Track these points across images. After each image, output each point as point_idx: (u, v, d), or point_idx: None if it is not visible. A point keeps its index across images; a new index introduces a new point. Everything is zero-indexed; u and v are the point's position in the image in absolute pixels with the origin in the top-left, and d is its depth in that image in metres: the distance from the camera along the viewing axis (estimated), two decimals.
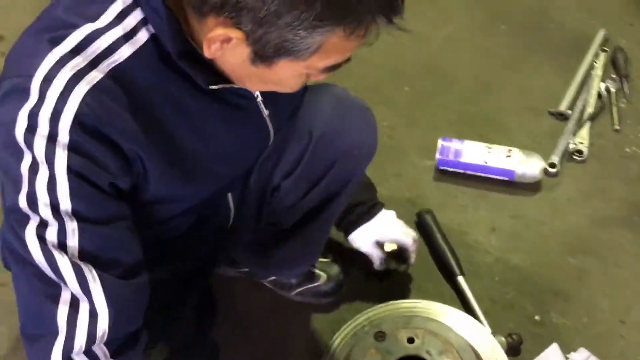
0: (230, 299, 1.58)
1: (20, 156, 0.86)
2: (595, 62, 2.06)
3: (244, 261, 1.54)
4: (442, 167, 1.82)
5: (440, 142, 1.80)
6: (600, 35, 2.14)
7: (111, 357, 0.91)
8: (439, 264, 1.61)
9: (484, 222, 1.72)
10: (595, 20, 2.22)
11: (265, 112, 1.09)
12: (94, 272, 0.88)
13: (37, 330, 0.91)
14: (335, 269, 1.59)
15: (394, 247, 1.52)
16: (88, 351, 0.89)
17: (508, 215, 1.73)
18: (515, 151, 1.77)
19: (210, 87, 0.95)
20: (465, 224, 1.72)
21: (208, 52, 0.87)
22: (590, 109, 1.93)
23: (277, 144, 1.21)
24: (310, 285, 1.57)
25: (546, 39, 2.19)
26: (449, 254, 1.60)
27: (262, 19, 0.80)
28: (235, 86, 0.98)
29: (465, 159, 1.78)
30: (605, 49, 2.10)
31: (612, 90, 1.98)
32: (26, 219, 0.87)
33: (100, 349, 0.90)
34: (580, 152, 1.84)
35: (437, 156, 1.80)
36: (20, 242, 0.87)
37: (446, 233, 1.65)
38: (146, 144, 0.91)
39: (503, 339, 1.45)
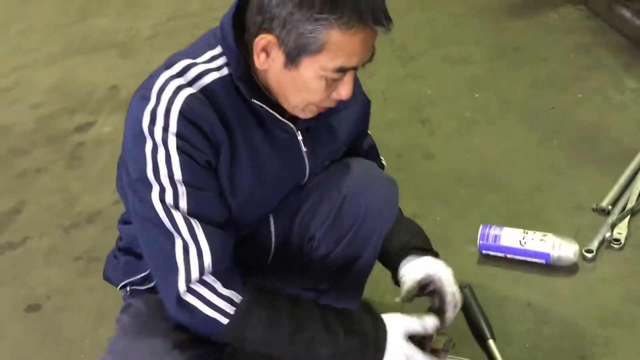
0: None
1: (144, 142, 1.24)
2: None
3: None
4: (484, 251, 2.01)
5: (481, 228, 2.00)
6: None
7: (223, 287, 1.23)
8: (472, 328, 1.76)
9: (520, 298, 1.86)
10: None
11: (304, 148, 1.41)
12: (197, 224, 1.24)
13: (163, 270, 1.25)
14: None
15: (436, 301, 1.46)
16: (202, 280, 1.23)
17: (544, 293, 1.86)
18: (550, 235, 1.93)
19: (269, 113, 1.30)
20: (502, 300, 1.86)
21: (258, 63, 1.24)
22: (631, 204, 2.07)
23: (314, 200, 1.50)
24: None
25: (597, 149, 2.38)
26: (481, 319, 1.75)
27: (284, 20, 1.17)
28: (281, 119, 1.32)
29: (503, 242, 1.97)
30: None
31: None
32: (150, 186, 1.24)
33: (210, 278, 1.23)
34: (618, 240, 1.96)
35: (479, 241, 1.99)
36: (146, 204, 1.24)
37: (482, 305, 1.80)
38: (223, 142, 1.27)
39: None
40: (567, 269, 1.91)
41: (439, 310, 1.43)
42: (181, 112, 1.22)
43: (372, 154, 1.64)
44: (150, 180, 1.24)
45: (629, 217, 2.04)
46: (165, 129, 1.22)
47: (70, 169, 2.79)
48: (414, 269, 1.48)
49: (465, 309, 1.80)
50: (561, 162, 2.35)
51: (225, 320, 1.23)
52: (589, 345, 1.68)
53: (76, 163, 2.81)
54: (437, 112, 2.78)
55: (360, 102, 1.52)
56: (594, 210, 2.10)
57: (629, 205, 2.07)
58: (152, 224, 1.24)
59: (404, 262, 1.51)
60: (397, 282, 1.52)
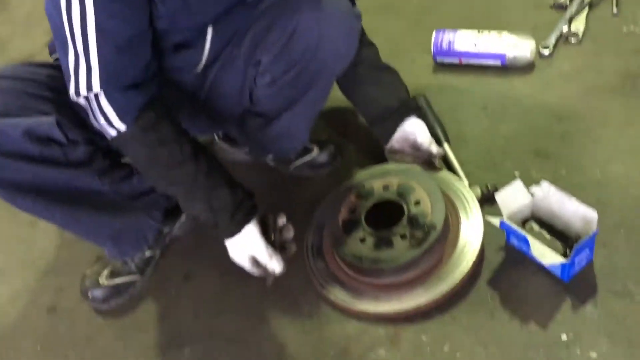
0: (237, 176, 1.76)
1: None
2: None
3: (241, 140, 1.72)
4: (438, 59, 1.93)
5: (434, 33, 1.91)
6: None
7: (111, 107, 1.23)
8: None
9: (476, 102, 1.81)
10: None
11: None
12: (95, 39, 1.18)
13: (64, 68, 1.24)
14: (328, 142, 1.74)
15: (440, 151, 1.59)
16: (90, 95, 1.22)
17: (500, 95, 1.81)
18: (506, 34, 1.85)
19: None
20: (458, 106, 1.81)
21: None
22: None
23: (266, 24, 1.38)
24: (306, 158, 1.72)
25: None
26: (436, 125, 1.70)
27: None
28: None
29: (457, 46, 1.88)
30: None
31: None
32: None
33: (99, 96, 1.22)
34: (575, 34, 1.88)
35: (433, 48, 1.90)
36: (55, 9, 1.18)
37: (438, 113, 1.74)
38: None
39: (478, 189, 1.54)
40: (524, 69, 1.85)
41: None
42: None
43: None
44: None
45: (587, 10, 1.94)
46: None
47: None
48: (395, 134, 1.58)
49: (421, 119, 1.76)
50: None
51: (108, 136, 1.27)
52: (544, 139, 1.65)
53: (1, 7, 2.61)
54: None
55: None
56: (552, 7, 2.00)
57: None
58: (56, 25, 1.20)
59: (383, 126, 1.59)
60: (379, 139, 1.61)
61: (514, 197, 1.43)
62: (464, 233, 1.46)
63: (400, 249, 1.41)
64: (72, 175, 1.32)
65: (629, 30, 1.87)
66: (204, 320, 1.51)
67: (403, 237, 1.42)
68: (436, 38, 1.91)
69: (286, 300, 1.49)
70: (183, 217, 1.65)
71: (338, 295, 1.45)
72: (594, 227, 1.33)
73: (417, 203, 1.47)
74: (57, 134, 1.27)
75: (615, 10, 1.93)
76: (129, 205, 1.46)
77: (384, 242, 1.43)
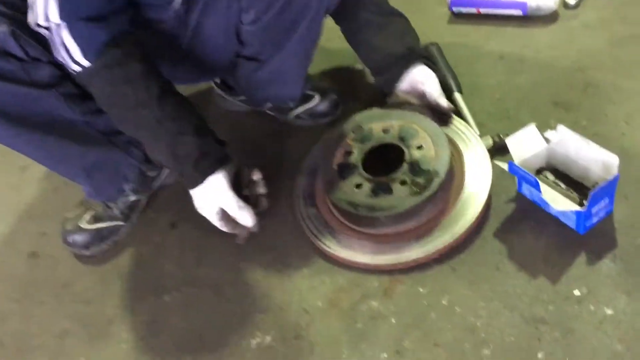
0: (231, 126, 1.66)
1: None
2: None
3: (238, 88, 1.61)
4: (455, 9, 1.80)
5: None
6: None
7: (73, 40, 1.12)
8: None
9: (493, 53, 1.68)
10: None
11: None
12: None
13: None
14: (330, 91, 1.62)
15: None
16: (51, 25, 1.11)
17: (519, 46, 1.68)
18: None
19: None
20: (474, 57, 1.68)
21: None
22: None
23: None
24: (307, 106, 1.61)
25: None
26: (447, 74, 1.58)
27: None
28: None
29: None
30: None
31: None
32: None
33: (61, 25, 1.11)
34: None
35: None
36: None
37: (453, 65, 1.62)
38: None
39: (490, 139, 1.42)
40: (546, 19, 1.71)
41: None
42: None
43: None
44: None
45: None
46: None
47: None
48: (400, 83, 1.44)
49: (432, 68, 1.63)
50: None
51: (71, 71, 1.17)
52: (565, 90, 1.51)
53: None
54: None
55: None
56: None
57: None
58: None
59: (387, 73, 1.45)
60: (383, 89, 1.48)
61: (527, 143, 1.30)
62: (469, 180, 1.33)
63: (400, 196, 1.28)
64: (36, 96, 1.22)
65: None
66: (186, 268, 1.41)
67: (403, 183, 1.30)
68: None
69: (274, 251, 1.38)
70: None
71: (329, 244, 1.33)
72: (614, 172, 1.19)
73: (420, 148, 1.35)
74: (14, 47, 1.16)
75: None
76: (104, 140, 1.36)
77: (382, 189, 1.31)
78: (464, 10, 1.79)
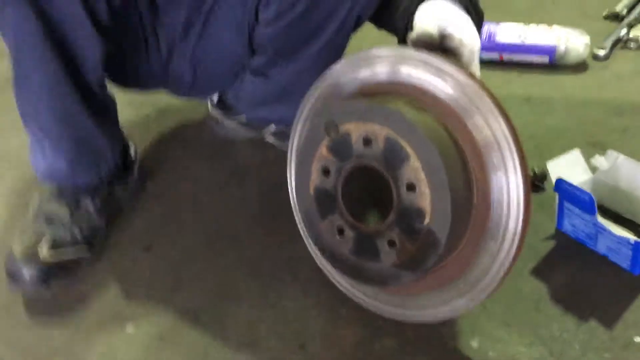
0: (229, 153, 1.48)
1: None
2: None
3: (238, 106, 1.45)
4: None
5: None
6: None
7: None
8: None
9: (518, 95, 1.54)
10: None
11: None
12: None
13: None
14: None
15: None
16: None
17: (546, 89, 1.55)
18: (557, 26, 1.61)
19: None
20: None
21: None
22: None
23: None
24: None
25: None
26: None
27: None
28: None
29: (500, 38, 1.63)
30: None
31: None
32: None
33: None
34: (635, 40, 1.64)
35: None
36: None
37: None
38: None
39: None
40: (575, 69, 1.59)
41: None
42: None
43: None
44: None
45: None
46: None
47: None
48: (426, 18, 1.02)
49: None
50: None
51: None
52: (601, 132, 1.36)
53: None
54: None
55: None
56: (606, 17, 1.78)
57: None
58: None
59: (400, 13, 1.07)
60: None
61: (570, 170, 1.13)
62: (496, 212, 0.93)
63: (388, 264, 0.94)
64: None
65: None
66: (159, 294, 1.18)
67: (391, 244, 0.94)
68: None
69: (262, 278, 1.16)
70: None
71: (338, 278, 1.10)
72: None
73: (411, 188, 0.91)
74: None
75: None
76: (102, 120, 1.22)
77: (366, 245, 0.98)
78: (485, 56, 1.67)
